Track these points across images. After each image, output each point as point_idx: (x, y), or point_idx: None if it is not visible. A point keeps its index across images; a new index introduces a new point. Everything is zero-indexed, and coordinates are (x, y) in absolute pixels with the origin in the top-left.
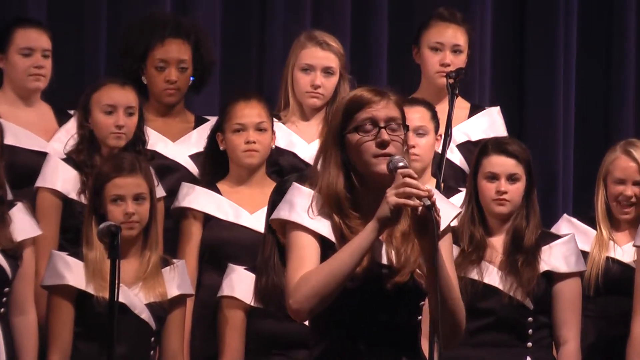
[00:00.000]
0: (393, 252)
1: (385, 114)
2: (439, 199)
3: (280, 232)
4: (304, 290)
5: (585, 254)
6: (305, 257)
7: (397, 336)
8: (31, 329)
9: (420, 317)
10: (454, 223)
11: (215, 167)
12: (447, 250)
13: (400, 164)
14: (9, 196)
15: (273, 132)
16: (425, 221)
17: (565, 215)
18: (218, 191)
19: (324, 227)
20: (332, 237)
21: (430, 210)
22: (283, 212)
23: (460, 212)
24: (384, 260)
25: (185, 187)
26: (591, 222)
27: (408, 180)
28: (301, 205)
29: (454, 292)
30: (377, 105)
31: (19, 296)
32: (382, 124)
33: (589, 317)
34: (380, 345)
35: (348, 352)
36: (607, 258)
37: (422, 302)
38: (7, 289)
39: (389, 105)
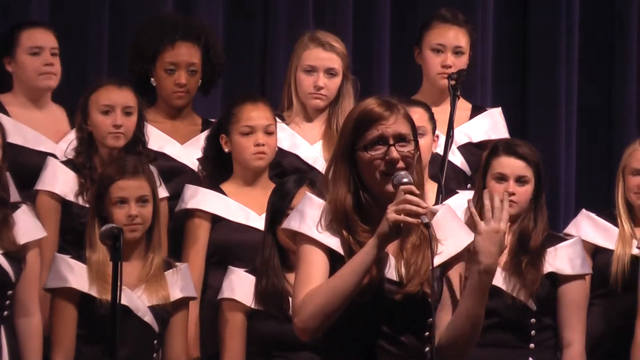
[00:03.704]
0: (403, 265)
1: (394, 131)
2: (456, 224)
3: (291, 240)
4: (308, 309)
5: (605, 251)
6: (312, 274)
7: (405, 350)
8: (35, 331)
9: (427, 334)
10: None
11: (217, 169)
12: (457, 277)
13: (404, 180)
14: (16, 197)
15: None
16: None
17: (584, 210)
18: (223, 193)
19: (333, 242)
20: (341, 251)
21: (428, 227)
22: (294, 223)
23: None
24: (393, 275)
25: (190, 189)
26: (611, 218)
27: (409, 197)
28: (311, 216)
29: (470, 320)
30: (387, 121)
31: (23, 298)
32: (391, 141)
33: (608, 313)
34: (388, 358)
35: None
36: (632, 255)
37: (430, 319)
38: (10, 292)
39: (398, 120)
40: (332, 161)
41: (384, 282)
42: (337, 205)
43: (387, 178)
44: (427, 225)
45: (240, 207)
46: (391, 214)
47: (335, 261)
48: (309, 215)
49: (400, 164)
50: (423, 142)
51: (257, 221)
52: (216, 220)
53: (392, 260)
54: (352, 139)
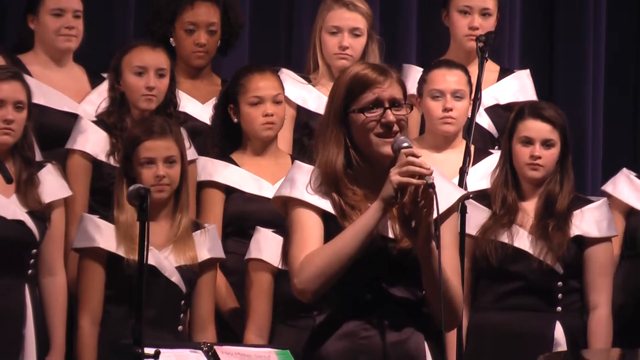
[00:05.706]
0: (396, 224)
1: (390, 95)
2: (444, 183)
3: (282, 210)
4: (308, 271)
5: (638, 212)
6: (308, 236)
7: (402, 306)
8: (60, 290)
9: (424, 292)
10: (484, 185)
11: (226, 138)
12: (452, 233)
13: (405, 144)
14: (38, 157)
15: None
16: (422, 206)
17: (624, 169)
18: (235, 164)
19: (324, 203)
20: (333, 212)
21: (433, 188)
22: (284, 190)
23: (466, 194)
24: (389, 233)
25: (202, 160)
26: None
27: (411, 158)
28: (301, 181)
29: (449, 281)
30: (382, 85)
31: (47, 258)
32: (387, 105)
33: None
34: (386, 314)
35: (353, 319)
36: None
37: None
38: (34, 251)
39: (392, 84)
40: (321, 126)
41: (381, 240)
42: (327, 168)
43: (382, 139)
44: (432, 186)
45: (253, 177)
46: (395, 176)
47: (329, 222)
48: (299, 180)
49: (395, 127)
50: (461, 104)
51: (270, 191)
52: (229, 192)
53: (387, 219)
54: (345, 102)
